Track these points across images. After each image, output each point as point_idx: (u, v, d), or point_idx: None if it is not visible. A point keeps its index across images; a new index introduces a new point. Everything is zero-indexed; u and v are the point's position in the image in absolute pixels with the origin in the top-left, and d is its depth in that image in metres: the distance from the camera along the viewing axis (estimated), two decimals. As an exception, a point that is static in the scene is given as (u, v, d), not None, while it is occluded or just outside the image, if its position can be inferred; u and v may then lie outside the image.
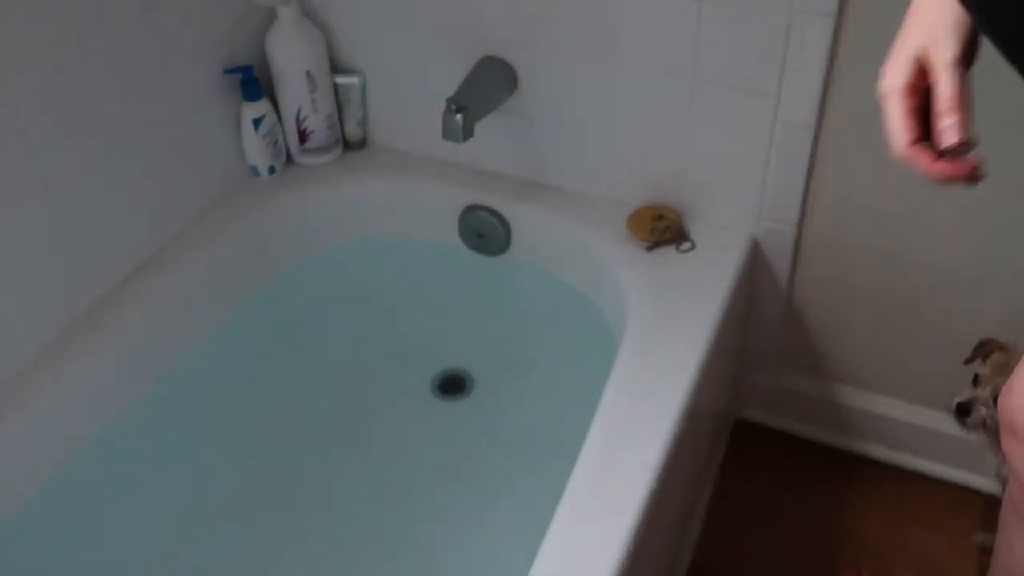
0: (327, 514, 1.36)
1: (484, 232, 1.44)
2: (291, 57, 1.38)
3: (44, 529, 1.15)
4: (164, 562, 1.27)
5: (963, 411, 1.15)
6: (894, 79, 0.69)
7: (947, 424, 1.46)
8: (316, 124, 1.45)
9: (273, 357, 1.49)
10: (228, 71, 1.36)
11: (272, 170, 1.46)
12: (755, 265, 1.37)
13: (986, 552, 1.38)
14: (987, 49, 1.08)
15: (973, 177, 0.66)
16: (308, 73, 1.39)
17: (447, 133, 1.26)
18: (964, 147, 0.65)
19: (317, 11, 1.41)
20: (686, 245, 1.32)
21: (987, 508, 1.47)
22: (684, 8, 1.17)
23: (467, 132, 1.26)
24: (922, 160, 0.67)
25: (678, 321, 1.20)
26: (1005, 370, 1.08)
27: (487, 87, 1.31)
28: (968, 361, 1.21)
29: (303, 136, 1.45)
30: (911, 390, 1.46)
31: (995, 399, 0.92)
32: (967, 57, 0.68)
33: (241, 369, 1.43)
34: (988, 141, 1.15)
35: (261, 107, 1.39)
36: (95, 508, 1.21)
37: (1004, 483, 1.05)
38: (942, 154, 0.66)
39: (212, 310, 1.36)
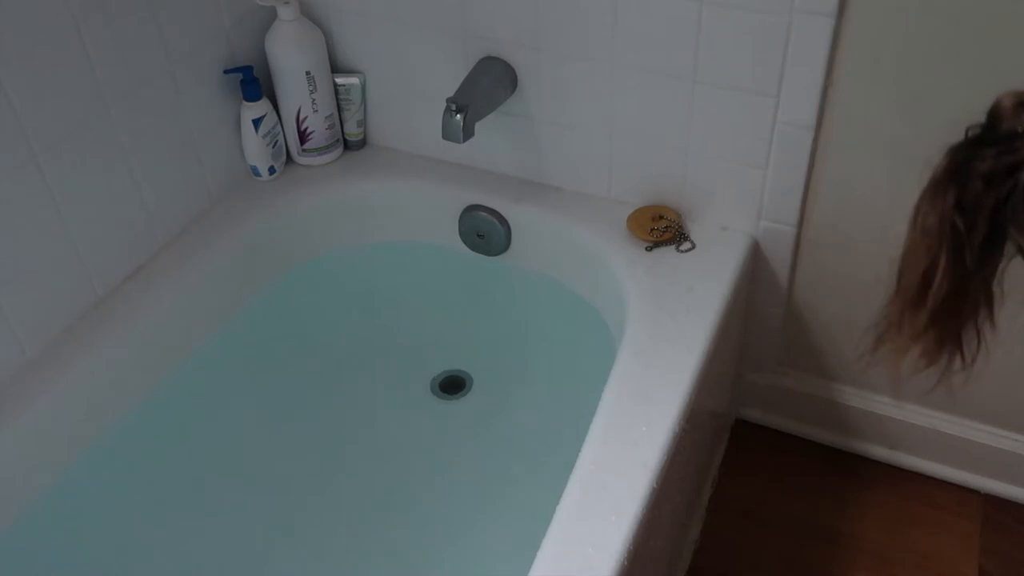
0: (328, 514, 1.36)
1: (484, 232, 1.44)
2: (291, 57, 1.38)
3: (45, 535, 1.15)
4: (167, 564, 1.27)
5: None
6: None
7: (947, 424, 1.47)
8: (316, 124, 1.45)
9: (274, 358, 1.49)
10: (228, 71, 1.36)
11: (272, 170, 1.46)
12: (755, 265, 1.37)
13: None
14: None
15: None
16: (308, 73, 1.39)
17: (447, 133, 1.26)
18: None
19: (317, 11, 1.41)
20: (686, 245, 1.32)
21: (987, 508, 1.47)
22: (684, 8, 1.17)
23: (467, 132, 1.26)
24: None
25: (678, 321, 1.19)
26: None
27: (487, 87, 1.31)
28: None
29: (303, 136, 1.45)
30: (911, 390, 1.46)
31: None
32: None
33: (242, 370, 1.43)
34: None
35: (261, 107, 1.39)
36: (96, 511, 1.21)
37: None
38: None
39: (213, 310, 1.36)
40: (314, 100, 1.42)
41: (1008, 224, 0.61)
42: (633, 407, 1.08)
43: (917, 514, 1.47)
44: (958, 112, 1.18)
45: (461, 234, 1.47)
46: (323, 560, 1.30)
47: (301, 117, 1.43)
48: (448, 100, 1.25)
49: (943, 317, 0.66)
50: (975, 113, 1.09)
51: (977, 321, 0.67)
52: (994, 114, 0.61)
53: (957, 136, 0.65)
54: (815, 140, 1.23)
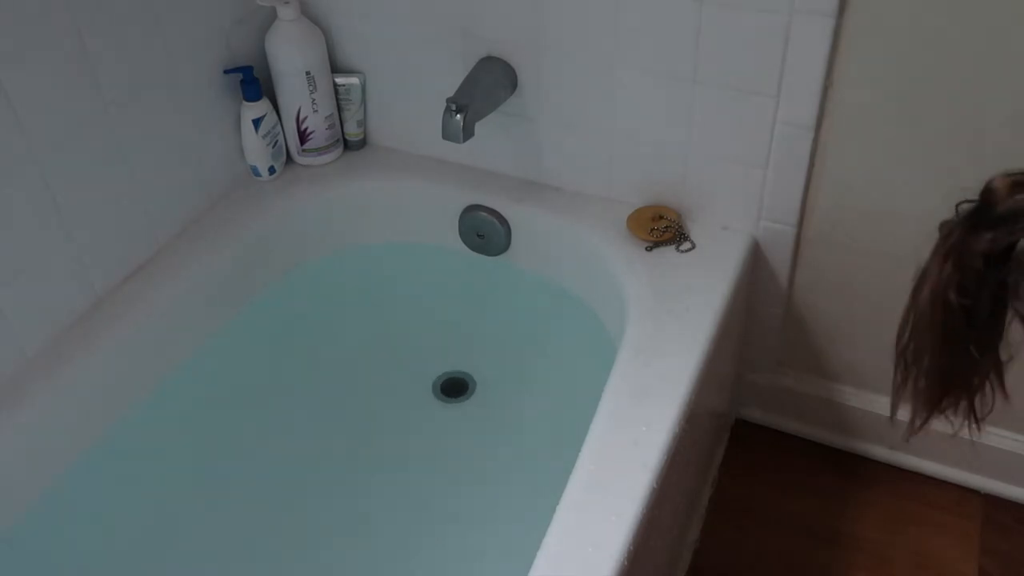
0: (329, 516, 1.36)
1: (484, 232, 1.44)
2: (291, 57, 1.38)
3: (45, 535, 1.15)
4: (166, 563, 1.27)
5: None
6: None
7: (947, 424, 1.47)
8: (316, 124, 1.45)
9: (274, 359, 1.49)
10: (228, 71, 1.36)
11: (272, 170, 1.46)
12: (755, 265, 1.37)
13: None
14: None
15: None
16: (308, 73, 1.39)
17: (447, 133, 1.26)
18: None
19: (317, 11, 1.41)
20: (686, 245, 1.32)
21: (987, 508, 1.47)
22: (684, 8, 1.17)
23: (467, 132, 1.26)
24: None
25: (678, 321, 1.19)
26: None
27: (487, 87, 1.31)
28: None
29: (303, 136, 1.45)
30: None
31: None
32: None
33: (242, 371, 1.43)
34: (995, 137, 1.15)
35: (261, 107, 1.39)
36: (96, 511, 1.21)
37: None
38: None
39: (212, 311, 1.36)
40: (314, 100, 1.42)
41: (1010, 299, 0.61)
42: (633, 407, 1.08)
43: (917, 514, 1.47)
44: (960, 111, 1.18)
45: (461, 234, 1.47)
46: (323, 560, 1.30)
47: (301, 117, 1.43)
48: (448, 100, 1.25)
49: (954, 389, 0.68)
50: (975, 112, 1.08)
51: (989, 384, 0.68)
52: (988, 196, 0.61)
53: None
54: (815, 140, 1.23)
